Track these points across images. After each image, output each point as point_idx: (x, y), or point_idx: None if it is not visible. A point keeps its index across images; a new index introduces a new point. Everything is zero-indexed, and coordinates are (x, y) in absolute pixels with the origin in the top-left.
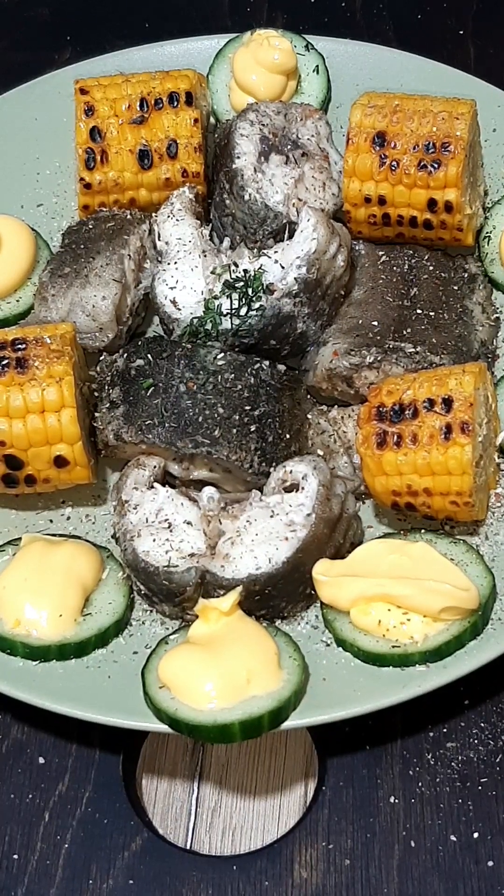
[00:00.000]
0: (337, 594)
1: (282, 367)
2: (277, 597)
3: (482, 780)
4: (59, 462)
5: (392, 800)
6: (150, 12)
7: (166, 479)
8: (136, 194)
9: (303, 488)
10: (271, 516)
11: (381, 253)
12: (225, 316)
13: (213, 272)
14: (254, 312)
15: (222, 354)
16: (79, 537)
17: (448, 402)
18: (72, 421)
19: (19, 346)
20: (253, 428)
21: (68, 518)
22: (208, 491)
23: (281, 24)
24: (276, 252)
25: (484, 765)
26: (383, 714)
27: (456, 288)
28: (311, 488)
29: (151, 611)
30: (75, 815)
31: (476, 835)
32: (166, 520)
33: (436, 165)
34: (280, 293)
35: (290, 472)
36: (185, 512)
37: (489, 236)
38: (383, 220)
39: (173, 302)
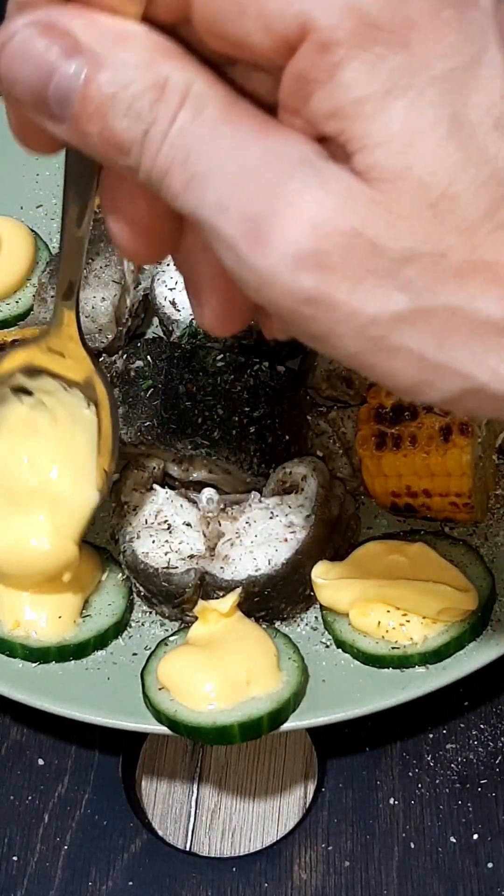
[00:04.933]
0: (335, 596)
1: (281, 369)
2: (277, 598)
3: (482, 782)
4: None
5: (391, 801)
6: None
7: (165, 480)
8: None
9: (302, 489)
10: (270, 518)
11: None
12: None
13: None
14: None
15: (222, 356)
16: None
17: None
18: None
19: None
20: (252, 429)
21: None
22: (207, 492)
23: None
24: None
25: (484, 766)
26: (383, 715)
27: None
28: (310, 489)
29: (151, 612)
30: (75, 816)
31: (476, 836)
32: (165, 521)
33: None
34: None
35: (290, 473)
36: (184, 513)
37: None
38: None
39: (173, 303)
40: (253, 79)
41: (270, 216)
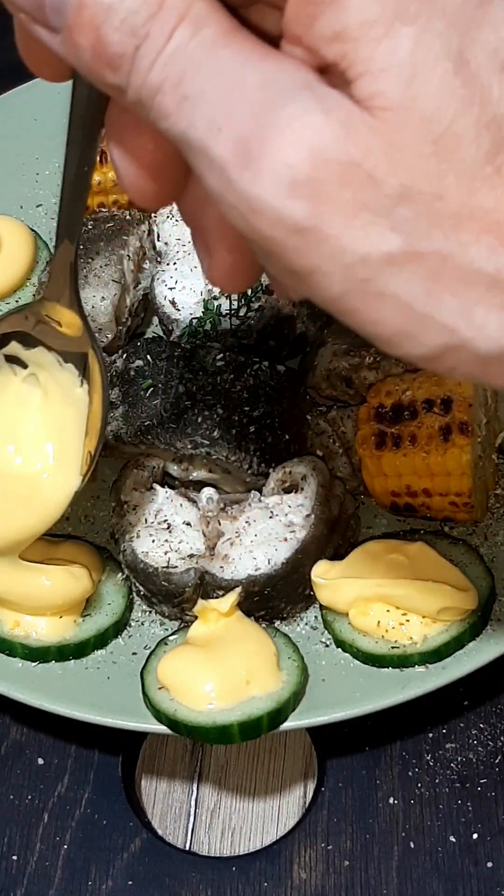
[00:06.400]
0: (335, 596)
1: (281, 368)
2: (277, 597)
3: (481, 782)
4: None
5: (391, 801)
6: None
7: (165, 479)
8: None
9: (302, 489)
10: (270, 517)
11: None
12: (224, 316)
13: None
14: (253, 313)
15: (221, 355)
16: (78, 538)
17: (447, 403)
18: None
19: None
20: (252, 429)
21: (67, 518)
22: (207, 492)
23: None
24: None
25: (483, 766)
26: (382, 715)
27: None
28: (310, 489)
29: (150, 612)
30: (74, 816)
31: (475, 836)
32: (165, 520)
33: None
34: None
35: (290, 472)
36: (184, 513)
37: None
38: None
39: (172, 302)
40: (266, 20)
41: (266, 138)
